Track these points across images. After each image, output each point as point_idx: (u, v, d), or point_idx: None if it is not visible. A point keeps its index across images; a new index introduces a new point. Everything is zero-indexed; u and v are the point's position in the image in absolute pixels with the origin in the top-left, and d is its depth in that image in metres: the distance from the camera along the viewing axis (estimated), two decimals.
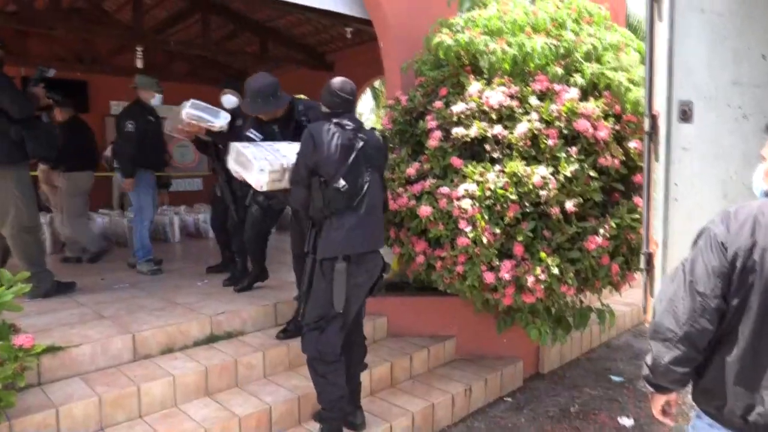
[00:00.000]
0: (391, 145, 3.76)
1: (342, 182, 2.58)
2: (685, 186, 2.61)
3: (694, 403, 1.59)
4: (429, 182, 3.38)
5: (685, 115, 2.59)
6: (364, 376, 3.11)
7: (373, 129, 2.91)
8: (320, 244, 2.64)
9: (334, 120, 2.68)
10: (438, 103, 3.51)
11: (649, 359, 1.56)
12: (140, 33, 7.45)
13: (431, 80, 3.73)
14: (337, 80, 2.79)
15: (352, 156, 2.62)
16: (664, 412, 1.66)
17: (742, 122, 2.77)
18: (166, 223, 7.03)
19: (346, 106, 2.74)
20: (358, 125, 2.73)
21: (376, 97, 14.92)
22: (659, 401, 1.65)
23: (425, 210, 3.28)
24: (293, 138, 3.05)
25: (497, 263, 3.20)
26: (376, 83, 13.00)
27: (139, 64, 7.85)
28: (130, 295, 4.11)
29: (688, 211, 2.66)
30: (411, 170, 3.51)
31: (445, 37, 3.57)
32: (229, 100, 4.47)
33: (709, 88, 2.67)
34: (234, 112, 4.26)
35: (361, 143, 2.66)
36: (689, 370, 1.49)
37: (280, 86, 3.26)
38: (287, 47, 8.87)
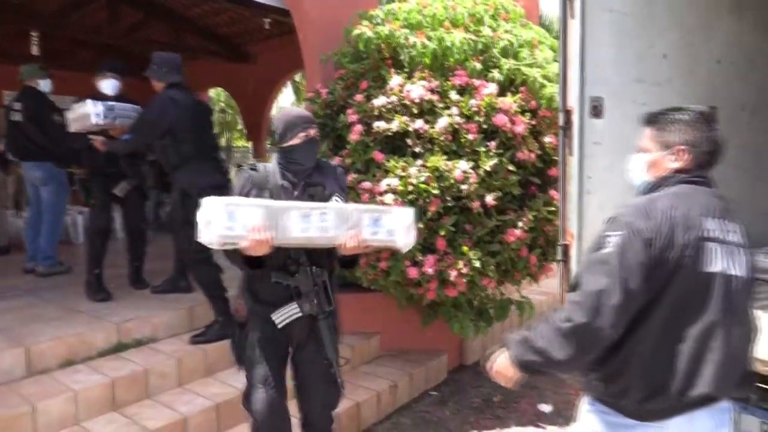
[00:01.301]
0: None
1: None
2: (597, 179, 2.70)
3: (585, 391, 1.58)
4: (351, 177, 3.31)
5: (596, 111, 2.67)
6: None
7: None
8: None
9: None
10: (359, 97, 3.45)
11: (538, 341, 1.48)
12: (36, 17, 6.83)
13: (352, 73, 3.66)
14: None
15: None
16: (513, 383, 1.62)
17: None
18: (69, 224, 6.49)
19: None
20: None
21: (297, 90, 14.65)
22: (515, 374, 1.58)
23: None
24: None
25: (420, 258, 3.19)
26: (297, 77, 12.76)
27: (35, 50, 7.19)
28: (25, 304, 3.74)
29: (600, 204, 2.76)
30: (335, 161, 3.42)
31: (365, 30, 3.51)
32: (112, 85, 3.98)
33: (616, 85, 2.78)
34: (117, 99, 3.80)
35: None
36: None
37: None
38: (202, 38, 8.47)
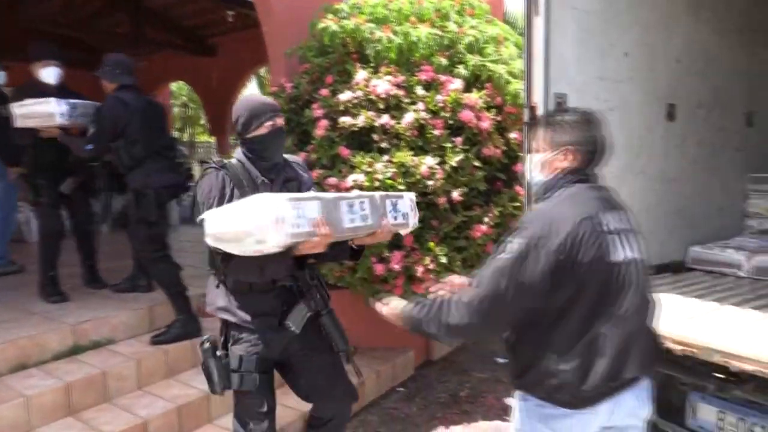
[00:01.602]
0: None
1: None
2: None
3: (519, 387, 1.64)
4: (316, 173, 3.26)
5: (561, 107, 2.70)
6: None
7: None
8: None
9: None
10: (324, 91, 3.40)
11: (432, 320, 1.58)
12: None
13: (317, 67, 3.60)
14: None
15: None
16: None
17: (608, 115, 2.95)
18: (22, 222, 6.23)
19: None
20: None
21: (261, 85, 14.43)
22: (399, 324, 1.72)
23: None
24: None
25: (387, 254, 3.17)
26: (262, 71, 12.56)
27: None
28: None
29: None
30: (297, 158, 3.36)
31: (330, 23, 3.46)
32: (54, 73, 3.66)
33: (580, 82, 2.81)
34: (60, 89, 3.62)
35: None
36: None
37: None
38: (165, 30, 8.24)
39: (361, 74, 3.30)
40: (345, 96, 3.25)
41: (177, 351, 3.22)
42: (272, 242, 1.66)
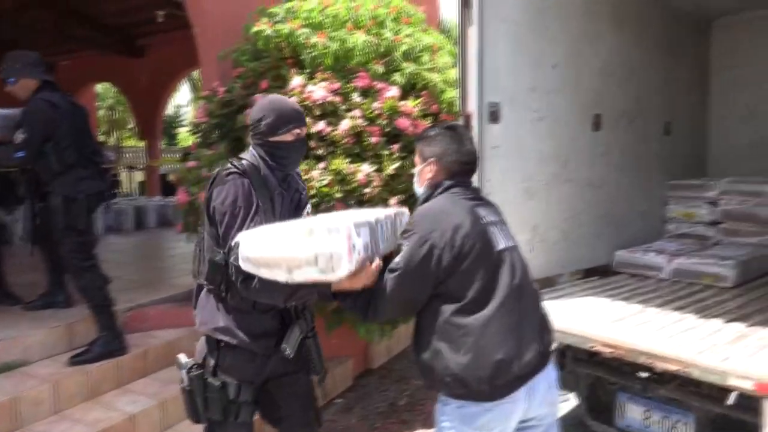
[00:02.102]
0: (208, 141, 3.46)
1: None
2: (495, 181, 2.78)
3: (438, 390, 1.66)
4: None
5: (494, 116, 2.76)
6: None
7: None
8: None
9: None
10: (258, 96, 3.30)
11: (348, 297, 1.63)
12: None
13: (251, 72, 3.50)
14: None
15: None
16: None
17: (538, 124, 3.06)
18: None
19: None
20: None
21: (195, 88, 13.99)
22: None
23: None
24: None
25: None
26: (196, 73, 12.17)
27: None
28: None
29: (499, 205, 2.86)
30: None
31: (264, 27, 3.37)
32: None
33: (512, 92, 2.88)
34: None
35: None
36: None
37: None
38: (91, 28, 7.80)
39: (296, 80, 3.24)
40: None
41: (100, 371, 3.02)
42: (341, 273, 1.49)
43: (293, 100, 2.14)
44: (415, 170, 1.82)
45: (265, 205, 1.77)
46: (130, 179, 11.90)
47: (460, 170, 1.75)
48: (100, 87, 13.12)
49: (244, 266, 1.59)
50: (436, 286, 1.59)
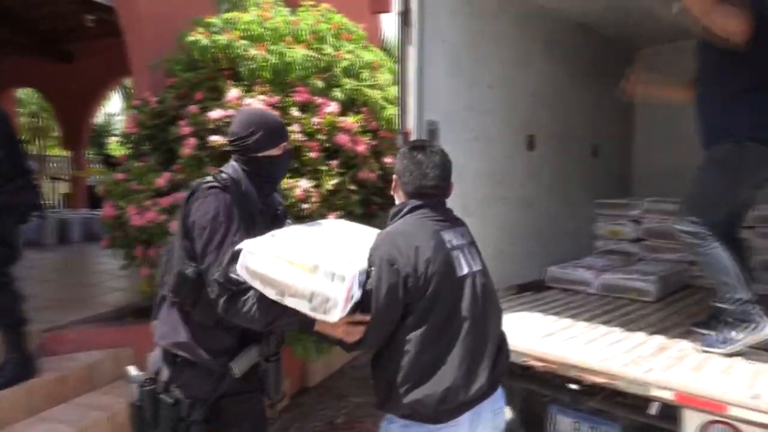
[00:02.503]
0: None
1: None
2: None
3: (386, 413, 1.65)
4: (182, 194, 3.04)
5: (432, 135, 2.80)
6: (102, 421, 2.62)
7: None
8: None
9: None
10: (193, 108, 3.21)
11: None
12: None
13: (185, 82, 3.41)
14: None
15: None
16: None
17: (474, 143, 3.13)
18: None
19: None
20: None
21: (127, 97, 13.45)
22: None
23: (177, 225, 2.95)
24: None
25: None
26: (129, 82, 11.71)
27: None
28: None
29: None
30: (161, 181, 3.13)
31: (200, 37, 3.29)
32: None
33: (450, 111, 2.94)
34: None
35: None
36: None
37: None
38: (13, 31, 7.34)
39: (233, 92, 3.17)
40: (216, 113, 3.10)
41: (10, 398, 2.79)
42: (331, 318, 1.48)
43: (275, 114, 2.10)
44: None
45: (247, 222, 1.72)
46: (53, 190, 11.23)
47: (419, 193, 1.69)
48: (21, 92, 12.37)
49: (240, 272, 1.56)
50: (404, 308, 1.57)
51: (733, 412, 1.82)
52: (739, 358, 2.22)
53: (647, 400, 2.05)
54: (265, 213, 1.84)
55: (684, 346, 2.40)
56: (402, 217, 1.69)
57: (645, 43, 4.43)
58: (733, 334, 2.23)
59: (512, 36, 3.32)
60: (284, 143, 1.84)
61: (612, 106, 4.42)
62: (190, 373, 1.75)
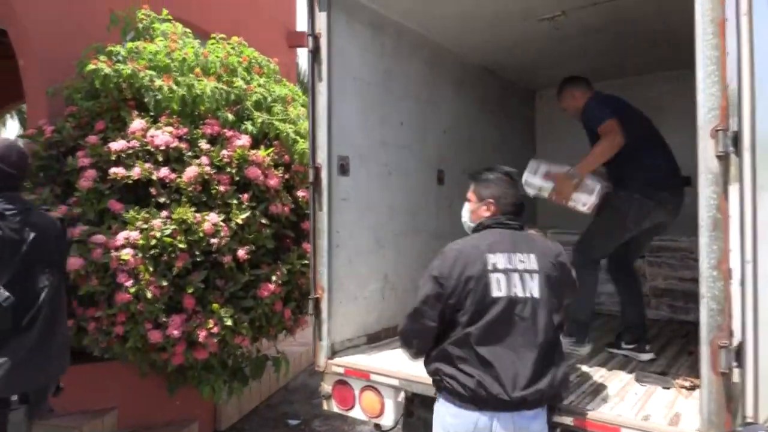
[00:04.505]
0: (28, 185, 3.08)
1: (4, 294, 1.86)
2: (346, 233, 2.82)
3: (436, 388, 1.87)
4: (80, 229, 2.86)
5: (344, 169, 2.82)
6: None
7: (46, 210, 2.22)
8: None
9: None
10: (93, 138, 3.05)
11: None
12: None
13: (85, 111, 3.23)
14: None
15: (20, 254, 1.93)
16: None
17: (388, 178, 3.19)
18: None
19: (7, 182, 2.00)
20: (25, 208, 2.01)
21: (24, 123, 12.57)
22: None
23: (75, 262, 2.76)
24: None
25: (165, 319, 2.88)
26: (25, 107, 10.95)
27: None
28: None
29: (349, 257, 2.88)
30: (57, 214, 2.91)
31: (102, 66, 3.15)
32: None
33: (363, 146, 2.98)
34: None
35: (32, 234, 1.97)
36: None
37: None
38: None
39: (137, 123, 3.05)
40: (118, 145, 2.96)
41: None
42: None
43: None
44: (468, 207, 2.07)
45: None
46: None
47: (510, 211, 1.95)
48: None
49: None
50: (443, 316, 1.80)
51: None
52: (632, 382, 2.37)
53: (550, 427, 2.12)
54: None
55: (583, 371, 2.53)
56: (476, 232, 1.96)
57: (541, 85, 4.76)
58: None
59: (422, 76, 3.45)
60: None
61: (519, 142, 4.69)
62: None
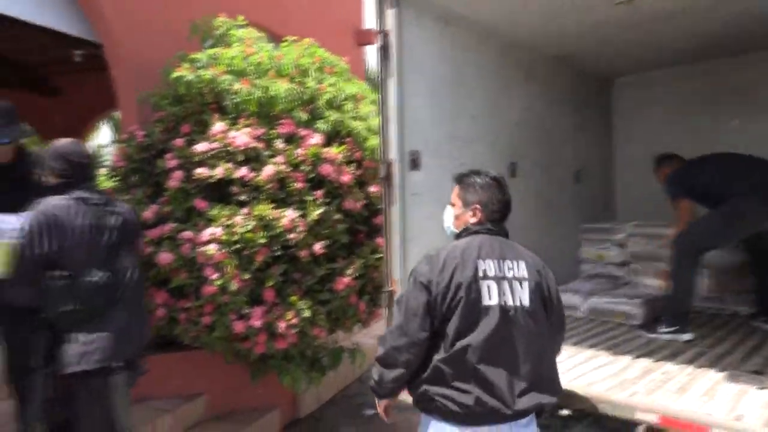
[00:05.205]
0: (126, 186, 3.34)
1: (99, 273, 2.15)
2: (417, 227, 2.85)
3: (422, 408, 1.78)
4: (170, 226, 3.06)
5: (415, 164, 2.85)
6: None
7: (121, 201, 2.52)
8: (69, 352, 2.11)
9: (74, 194, 2.20)
10: (179, 141, 3.24)
11: (375, 376, 1.84)
12: None
13: (172, 116, 3.44)
14: (64, 142, 2.31)
15: (105, 238, 2.23)
16: (386, 412, 1.97)
17: (460, 171, 3.18)
18: None
19: (81, 172, 2.27)
20: (105, 198, 2.32)
21: (117, 129, 13.50)
22: (383, 405, 1.95)
23: (166, 257, 2.96)
24: (18, 196, 2.36)
25: (247, 311, 3.03)
26: (118, 114, 11.75)
27: None
28: None
29: (421, 251, 2.90)
30: (149, 213, 3.14)
31: (185, 72, 3.34)
32: None
33: (433, 141, 3.00)
34: None
35: (114, 219, 2.28)
36: (402, 384, 1.80)
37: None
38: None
39: (218, 125, 3.21)
40: (201, 146, 3.13)
41: None
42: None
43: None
44: (451, 212, 1.99)
45: None
46: None
47: (496, 217, 1.89)
48: None
49: None
50: (432, 324, 1.71)
51: None
52: (722, 381, 2.25)
53: (634, 424, 2.06)
54: None
55: (669, 368, 2.43)
56: (462, 238, 1.86)
57: (618, 73, 4.57)
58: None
59: (493, 69, 3.41)
60: None
61: (593, 133, 4.53)
62: None
